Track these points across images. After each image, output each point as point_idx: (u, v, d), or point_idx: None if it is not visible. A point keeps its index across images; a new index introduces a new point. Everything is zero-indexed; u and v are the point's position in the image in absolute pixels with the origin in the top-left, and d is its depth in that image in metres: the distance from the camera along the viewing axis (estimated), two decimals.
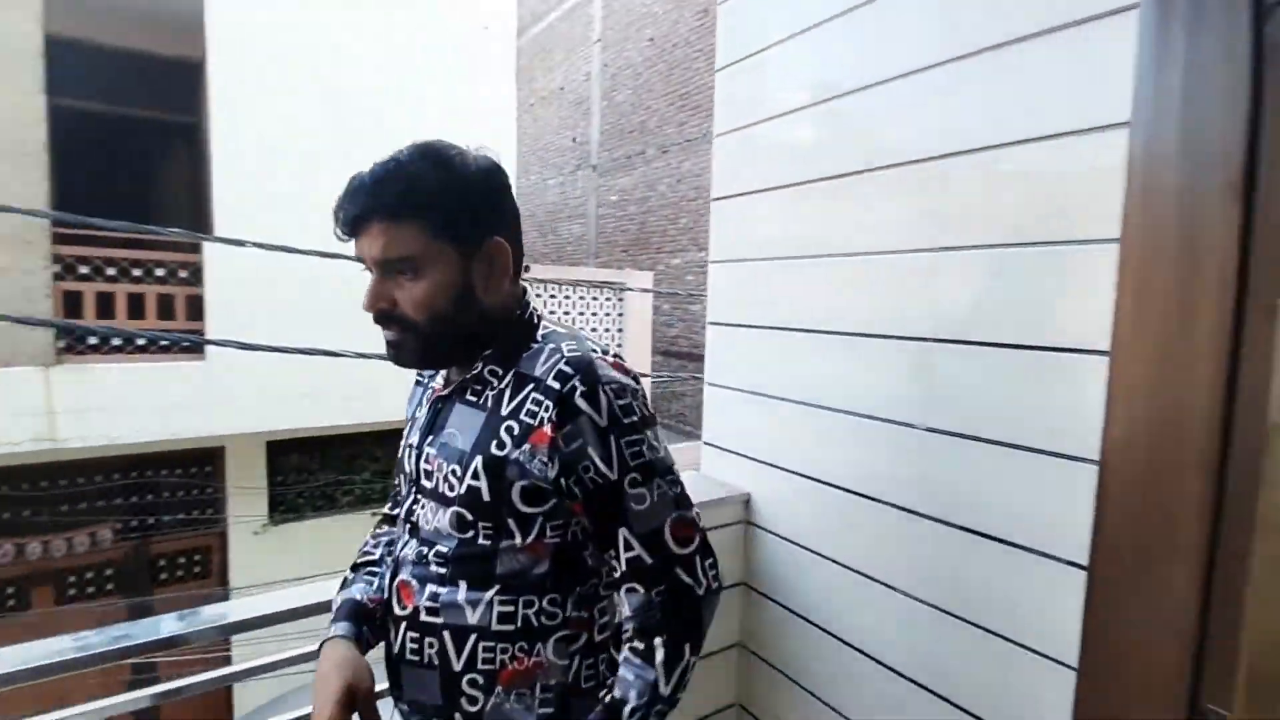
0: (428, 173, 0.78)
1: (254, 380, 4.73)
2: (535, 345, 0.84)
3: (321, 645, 0.84)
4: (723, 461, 1.67)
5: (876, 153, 1.25)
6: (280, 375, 4.59)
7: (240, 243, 3.38)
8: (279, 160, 4.88)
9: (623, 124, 9.38)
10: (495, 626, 0.79)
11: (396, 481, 0.95)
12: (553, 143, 10.95)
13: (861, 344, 1.30)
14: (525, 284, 0.91)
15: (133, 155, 6.03)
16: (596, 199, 9.96)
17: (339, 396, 5.07)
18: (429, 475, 0.85)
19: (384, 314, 0.81)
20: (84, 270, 4.57)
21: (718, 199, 1.66)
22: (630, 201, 9.27)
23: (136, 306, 4.69)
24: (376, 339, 0.83)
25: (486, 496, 0.78)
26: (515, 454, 0.78)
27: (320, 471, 5.98)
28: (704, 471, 1.72)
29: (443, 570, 0.81)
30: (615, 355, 0.85)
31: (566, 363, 0.79)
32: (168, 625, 1.04)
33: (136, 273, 4.74)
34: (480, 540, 0.80)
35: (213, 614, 1.09)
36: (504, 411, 0.80)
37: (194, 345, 4.68)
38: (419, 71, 5.45)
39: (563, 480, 0.78)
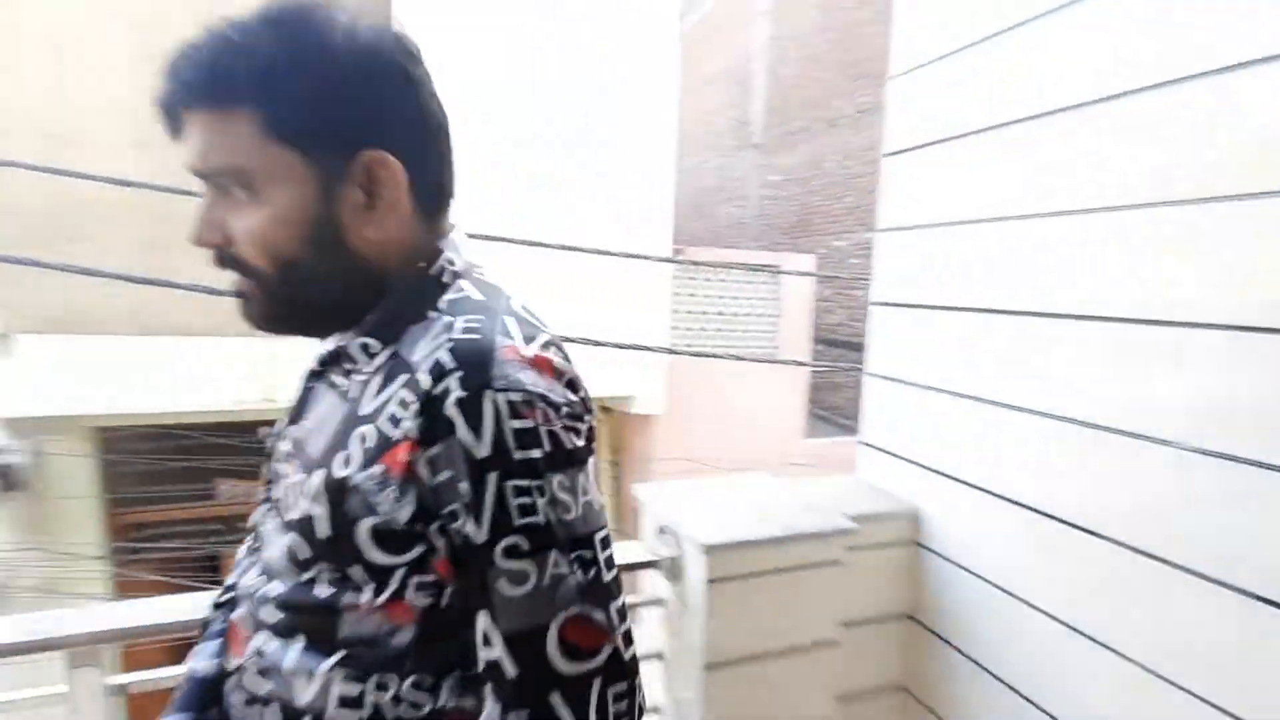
0: (268, 39, 0.50)
1: None
2: (432, 315, 0.55)
3: None
4: (884, 466, 1.42)
5: (1111, 75, 0.94)
6: None
7: None
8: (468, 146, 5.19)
9: (788, 99, 8.92)
10: (331, 712, 0.52)
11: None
12: (713, 124, 10.75)
13: (1083, 329, 0.99)
14: (451, 226, 0.62)
15: None
16: (757, 179, 9.62)
17: None
18: (274, 483, 0.62)
19: (219, 252, 0.55)
20: None
21: (891, 154, 1.40)
22: (793, 181, 8.82)
23: None
24: None
25: (324, 531, 0.52)
26: (359, 478, 0.51)
27: None
28: (861, 476, 1.48)
29: (278, 616, 0.55)
30: (548, 345, 0.54)
31: (452, 348, 0.51)
32: None
33: None
34: (316, 588, 0.53)
35: None
36: (363, 411, 0.54)
37: None
38: (586, 60, 5.53)
39: (417, 525, 0.50)
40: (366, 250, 0.56)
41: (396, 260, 0.57)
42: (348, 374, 0.57)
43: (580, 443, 0.52)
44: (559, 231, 4.14)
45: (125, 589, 5.48)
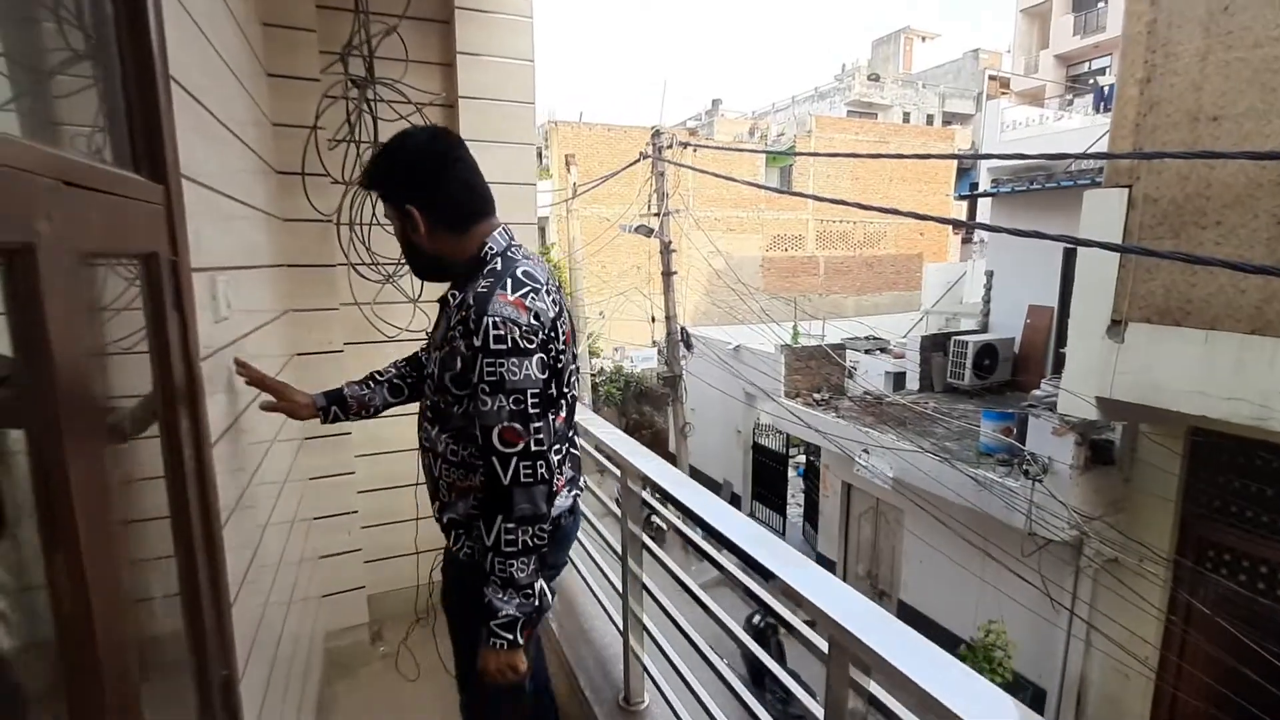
0: (384, 161, 1.31)
1: None
2: (478, 278, 1.25)
3: None
4: None
5: None
6: None
7: None
8: None
9: None
10: (449, 457, 1.33)
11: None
12: None
13: None
14: (494, 225, 1.34)
15: None
16: None
17: None
18: (428, 357, 1.41)
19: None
20: None
21: None
22: None
23: None
24: None
25: (438, 377, 1.31)
26: (447, 353, 1.27)
27: None
28: None
29: (430, 416, 1.36)
30: (526, 294, 1.22)
31: (473, 298, 1.21)
32: None
33: None
34: (440, 403, 1.32)
35: None
36: (450, 324, 1.27)
37: None
38: None
39: (465, 375, 1.23)
40: (429, 250, 1.32)
41: (450, 253, 1.32)
42: (446, 305, 1.32)
43: (531, 345, 1.19)
44: None
45: (1177, 612, 5.09)
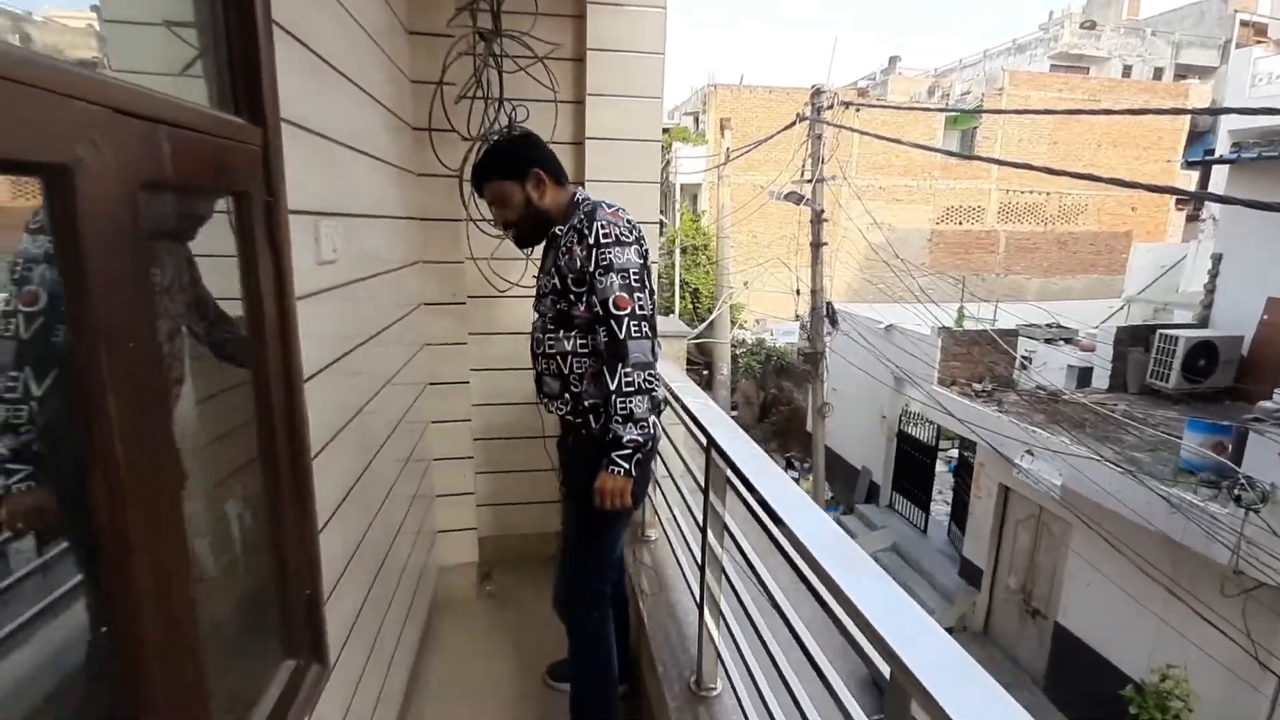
0: (496, 152, 1.79)
1: None
2: (576, 214, 1.68)
3: None
4: None
5: None
6: None
7: None
8: None
9: None
10: (580, 351, 1.67)
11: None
12: None
13: None
14: (575, 187, 1.80)
15: None
16: None
17: None
18: (539, 286, 1.77)
19: (505, 227, 1.81)
20: None
21: None
22: None
23: None
24: None
25: (559, 286, 1.66)
26: (566, 262, 1.64)
27: None
28: None
29: (552, 327, 1.70)
30: (618, 211, 1.67)
31: (584, 214, 1.65)
32: None
33: None
34: (562, 307, 1.66)
35: None
36: (561, 246, 1.67)
37: None
38: None
39: (583, 274, 1.61)
40: (542, 205, 1.73)
41: (556, 206, 1.74)
42: (555, 240, 1.72)
43: (628, 239, 1.61)
44: None
45: None
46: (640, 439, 1.54)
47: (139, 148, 0.73)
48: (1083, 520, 6.17)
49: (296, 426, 1.20)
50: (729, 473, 1.42)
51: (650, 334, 1.60)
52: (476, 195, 1.84)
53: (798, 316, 10.82)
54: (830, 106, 8.60)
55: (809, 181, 8.92)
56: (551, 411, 1.79)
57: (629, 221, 1.65)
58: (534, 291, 1.81)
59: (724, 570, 1.55)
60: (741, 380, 14.88)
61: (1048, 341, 9.74)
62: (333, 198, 1.43)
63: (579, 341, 1.67)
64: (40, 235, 0.79)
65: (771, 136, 10.02)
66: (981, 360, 8.36)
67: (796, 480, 11.49)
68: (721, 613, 1.57)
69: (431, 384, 2.50)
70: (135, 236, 0.71)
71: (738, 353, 14.92)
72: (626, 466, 1.54)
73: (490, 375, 2.63)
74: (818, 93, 8.61)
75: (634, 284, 1.57)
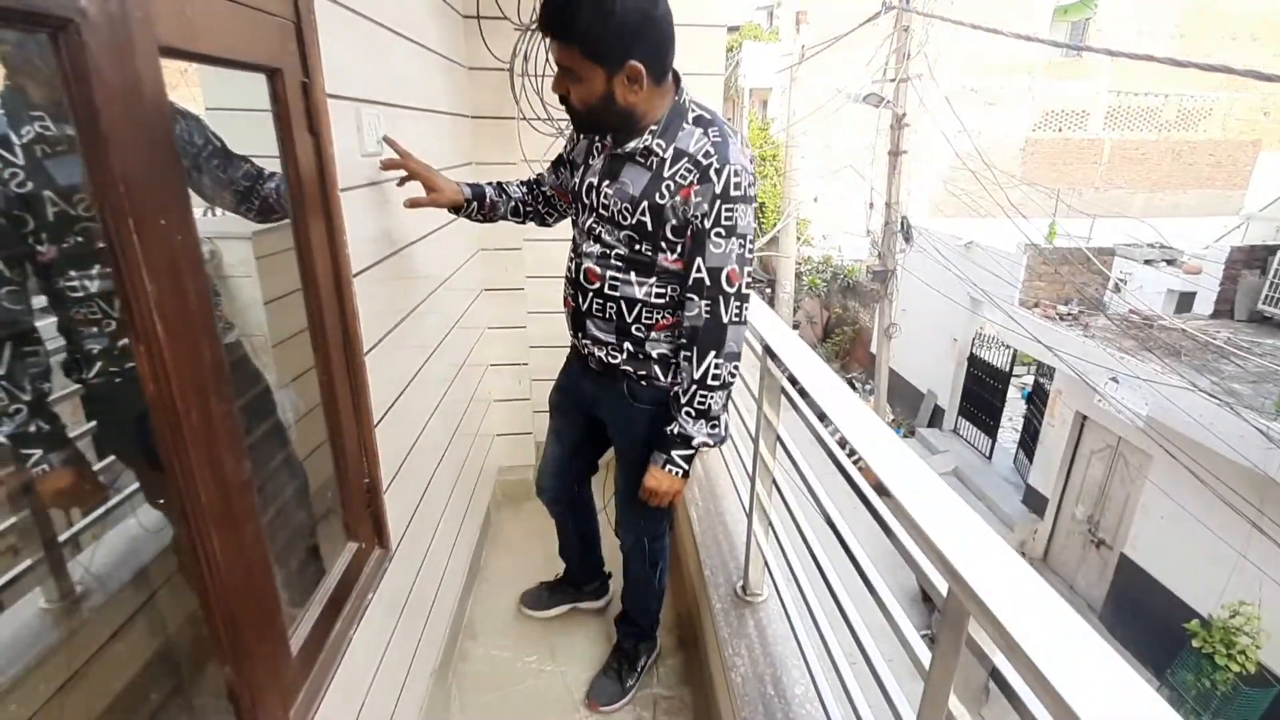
0: (593, 13, 1.15)
1: None
2: (686, 128, 1.27)
3: None
4: None
5: None
6: None
7: None
8: None
9: None
10: (654, 300, 1.36)
11: (554, 176, 1.59)
12: None
13: None
14: (678, 80, 1.30)
15: None
16: None
17: None
18: (605, 207, 1.34)
19: (562, 98, 1.29)
20: None
21: None
22: None
23: None
24: None
25: (650, 228, 1.29)
26: (670, 202, 1.26)
27: None
28: None
29: (620, 265, 1.35)
30: (745, 145, 1.35)
31: (712, 145, 1.24)
32: None
33: None
34: (645, 252, 1.32)
35: None
36: (665, 174, 1.26)
37: None
38: None
39: (685, 222, 1.27)
40: (627, 105, 1.25)
41: (643, 107, 1.26)
42: (645, 157, 1.29)
43: (753, 195, 1.26)
44: None
45: None
46: (710, 441, 1.35)
47: (157, 7, 0.68)
48: (1167, 451, 5.83)
49: (347, 319, 1.20)
50: (784, 381, 1.36)
51: (746, 317, 1.33)
52: (545, 39, 1.27)
53: (869, 232, 10.26)
54: None
55: (891, 81, 8.18)
56: (592, 353, 1.46)
57: (752, 158, 1.29)
58: (588, 200, 1.38)
59: (774, 481, 1.52)
60: (805, 298, 14.45)
61: (1147, 263, 8.92)
62: (375, 85, 1.37)
63: (655, 289, 1.35)
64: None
65: (852, 31, 9.15)
66: (1070, 281, 7.77)
67: None
68: (770, 522, 1.55)
69: (487, 290, 2.50)
70: (159, 104, 0.68)
71: (802, 270, 14.42)
72: (687, 468, 1.36)
73: (546, 283, 2.60)
74: None
75: (748, 255, 1.28)
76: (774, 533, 1.54)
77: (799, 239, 13.63)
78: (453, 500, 1.98)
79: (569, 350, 1.64)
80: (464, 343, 2.17)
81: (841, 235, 14.50)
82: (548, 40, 1.24)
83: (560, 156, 1.58)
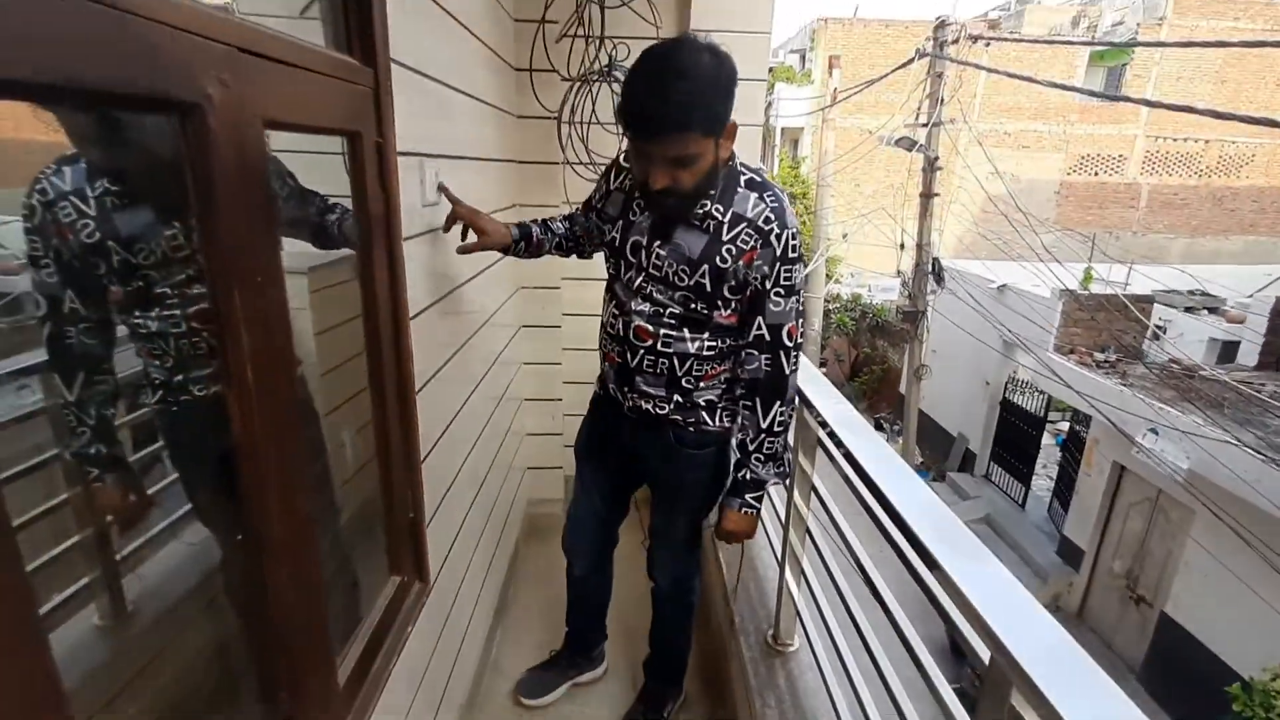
0: (709, 93, 1.15)
1: None
2: (741, 191, 1.30)
3: None
4: None
5: None
6: None
7: None
8: None
9: None
10: (705, 354, 1.38)
11: (584, 219, 1.60)
12: None
13: None
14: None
15: None
16: None
17: None
18: (657, 267, 1.35)
19: (666, 189, 1.23)
20: None
21: None
22: None
23: None
24: None
25: (709, 289, 1.32)
26: (732, 266, 1.30)
27: None
28: None
29: (673, 323, 1.37)
30: (793, 201, 1.21)
31: (771, 211, 1.29)
32: None
33: None
34: (700, 310, 1.34)
35: None
36: (724, 238, 1.29)
37: None
38: None
39: (745, 283, 1.31)
40: (723, 163, 1.29)
41: (721, 165, 1.28)
42: (701, 219, 1.31)
43: (803, 253, 1.34)
44: None
45: None
46: (778, 479, 1.43)
47: (262, 86, 0.76)
48: (1208, 508, 5.62)
49: (403, 360, 1.26)
50: (821, 433, 1.38)
51: (799, 366, 1.41)
52: (652, 143, 1.19)
53: (899, 272, 10.23)
54: (955, 41, 7.83)
55: (924, 125, 8.25)
56: (636, 405, 1.46)
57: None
58: (635, 259, 1.37)
59: (808, 530, 1.52)
60: (833, 336, 14.38)
61: (1188, 310, 8.73)
62: (437, 139, 1.45)
63: (708, 344, 1.38)
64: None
65: (885, 76, 9.28)
66: (1107, 328, 7.64)
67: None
68: (803, 571, 1.55)
69: (525, 326, 2.57)
70: (262, 173, 0.75)
71: (831, 308, 14.38)
72: (759, 507, 1.43)
73: (582, 320, 2.67)
74: (942, 25, 7.84)
75: (802, 309, 1.37)
76: (806, 581, 1.54)
77: (828, 277, 13.63)
78: (486, 533, 2.02)
79: (596, 396, 1.64)
80: (502, 378, 2.23)
81: (871, 276, 14.46)
82: (659, 139, 1.18)
83: (589, 202, 1.57)
